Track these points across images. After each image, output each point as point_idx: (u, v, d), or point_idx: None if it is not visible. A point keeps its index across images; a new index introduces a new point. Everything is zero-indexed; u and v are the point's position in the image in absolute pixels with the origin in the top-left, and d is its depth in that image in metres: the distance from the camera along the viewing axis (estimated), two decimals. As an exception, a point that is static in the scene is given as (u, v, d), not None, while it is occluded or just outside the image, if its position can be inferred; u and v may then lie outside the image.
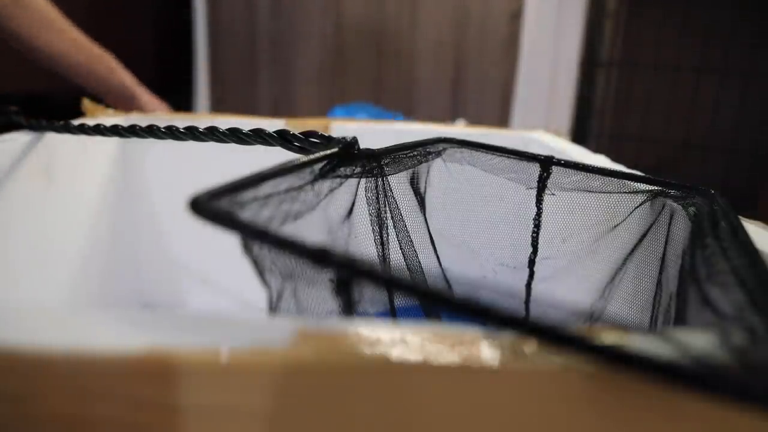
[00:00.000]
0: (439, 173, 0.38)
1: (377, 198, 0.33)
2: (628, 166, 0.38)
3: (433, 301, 0.14)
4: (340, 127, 0.59)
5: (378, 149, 0.32)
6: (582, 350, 0.13)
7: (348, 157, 0.28)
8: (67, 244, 0.45)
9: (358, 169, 0.30)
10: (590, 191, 0.34)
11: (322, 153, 0.25)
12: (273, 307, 0.19)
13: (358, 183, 0.32)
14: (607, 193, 0.33)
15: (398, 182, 0.35)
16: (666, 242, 0.30)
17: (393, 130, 0.63)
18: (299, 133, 0.28)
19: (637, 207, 0.32)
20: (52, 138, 0.42)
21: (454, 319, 0.14)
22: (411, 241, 0.37)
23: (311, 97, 1.51)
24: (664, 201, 0.31)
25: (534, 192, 0.36)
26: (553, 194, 0.35)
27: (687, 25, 1.22)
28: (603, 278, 0.34)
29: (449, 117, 1.47)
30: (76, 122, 0.36)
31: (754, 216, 0.26)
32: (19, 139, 0.39)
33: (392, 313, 0.33)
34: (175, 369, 0.13)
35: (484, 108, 1.47)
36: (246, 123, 0.55)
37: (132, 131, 0.31)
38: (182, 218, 0.17)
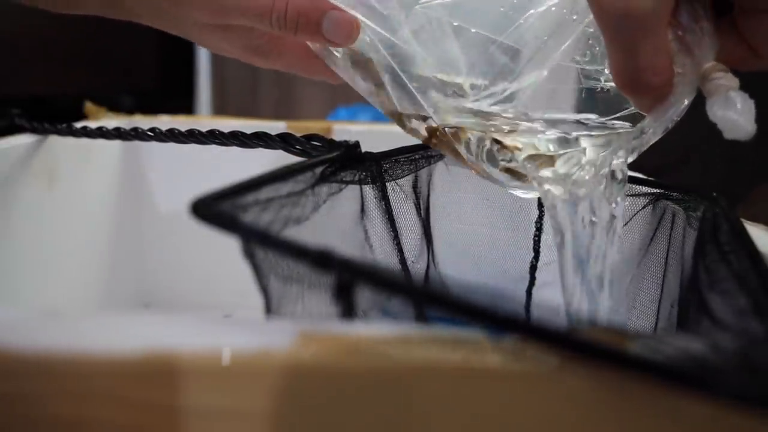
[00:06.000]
0: (441, 176, 0.38)
1: (379, 202, 0.33)
2: (630, 169, 0.38)
3: (435, 304, 0.14)
4: (342, 130, 0.59)
5: (380, 153, 0.32)
6: (583, 353, 0.13)
7: (350, 161, 0.28)
8: (70, 245, 0.45)
9: (360, 173, 0.30)
10: (592, 194, 0.34)
11: (323, 156, 0.25)
12: (272, 311, 0.19)
13: (360, 187, 0.32)
14: (609, 195, 0.33)
15: (400, 186, 0.35)
16: (668, 245, 0.30)
17: (395, 133, 0.63)
18: (301, 137, 0.28)
19: (639, 210, 0.32)
20: (54, 141, 0.42)
21: (454, 322, 0.14)
22: (412, 244, 0.36)
23: (314, 98, 1.51)
24: (666, 204, 0.31)
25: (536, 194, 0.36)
26: (555, 197, 0.35)
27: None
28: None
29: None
30: (78, 125, 0.37)
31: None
32: (21, 141, 0.39)
33: (394, 316, 0.32)
34: (176, 370, 0.13)
35: (486, 111, 1.47)
36: (248, 126, 0.55)
37: (134, 134, 0.31)
38: (184, 221, 0.17)
